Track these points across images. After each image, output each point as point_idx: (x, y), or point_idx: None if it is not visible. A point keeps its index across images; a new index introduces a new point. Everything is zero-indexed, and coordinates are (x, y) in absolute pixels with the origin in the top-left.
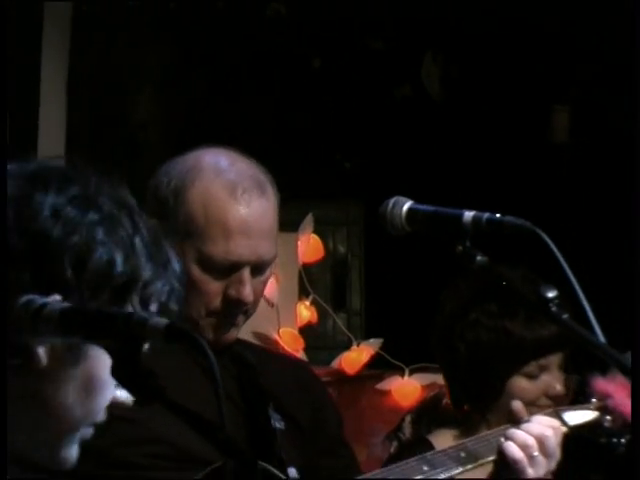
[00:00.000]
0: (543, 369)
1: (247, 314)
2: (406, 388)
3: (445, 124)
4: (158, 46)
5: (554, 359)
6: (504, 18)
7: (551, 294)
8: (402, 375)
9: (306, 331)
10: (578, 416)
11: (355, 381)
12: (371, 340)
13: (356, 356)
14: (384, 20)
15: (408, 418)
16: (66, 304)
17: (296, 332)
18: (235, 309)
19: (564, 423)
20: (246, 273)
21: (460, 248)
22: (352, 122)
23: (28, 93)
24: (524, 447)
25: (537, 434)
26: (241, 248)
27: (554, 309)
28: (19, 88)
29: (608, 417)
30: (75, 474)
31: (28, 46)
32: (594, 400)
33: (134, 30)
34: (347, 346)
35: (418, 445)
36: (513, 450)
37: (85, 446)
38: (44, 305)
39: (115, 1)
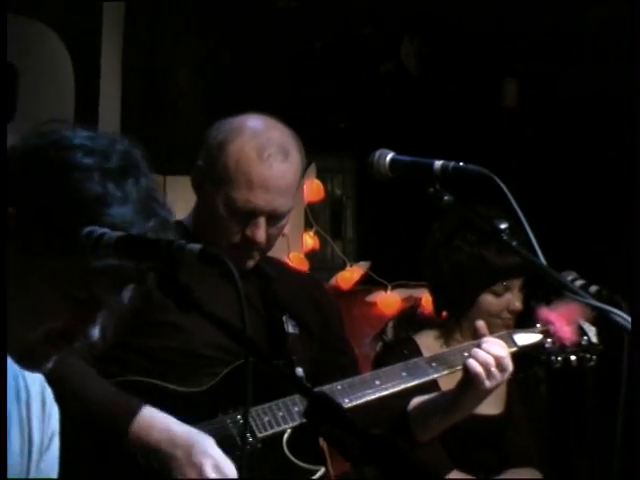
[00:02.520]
0: (507, 289)
1: (262, 251)
2: (389, 300)
3: (420, 93)
4: (193, 32)
5: (516, 282)
6: (465, 9)
7: (503, 226)
8: (385, 290)
9: (310, 256)
10: (525, 338)
11: (348, 295)
12: (361, 262)
13: (349, 275)
14: (371, 11)
15: (390, 324)
16: (120, 233)
17: (302, 256)
18: (250, 246)
19: (514, 343)
20: (262, 220)
21: (431, 190)
22: (347, 91)
23: (91, 72)
24: (484, 363)
25: (494, 353)
26: (259, 200)
27: (505, 237)
28: (83, 68)
29: (549, 340)
30: (127, 367)
31: (90, 34)
32: (538, 325)
33: (174, 20)
34: (342, 267)
35: (405, 342)
36: (475, 365)
37: (136, 345)
38: (103, 234)
39: None
